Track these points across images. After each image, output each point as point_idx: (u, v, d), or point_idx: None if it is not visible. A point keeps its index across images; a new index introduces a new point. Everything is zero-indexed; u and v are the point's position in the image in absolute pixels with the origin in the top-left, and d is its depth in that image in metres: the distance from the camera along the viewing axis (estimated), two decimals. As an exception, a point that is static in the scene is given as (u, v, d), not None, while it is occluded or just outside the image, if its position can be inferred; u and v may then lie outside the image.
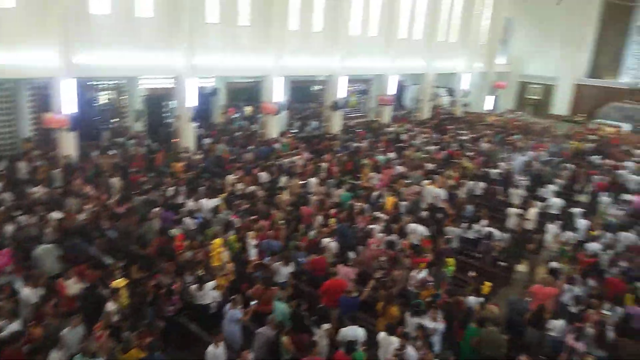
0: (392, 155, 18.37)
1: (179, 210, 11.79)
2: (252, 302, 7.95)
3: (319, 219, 11.71)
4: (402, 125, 25.21)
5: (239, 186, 13.82)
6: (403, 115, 29.23)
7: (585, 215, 13.12)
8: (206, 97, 20.80)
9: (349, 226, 11.42)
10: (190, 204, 12.07)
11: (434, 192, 14.22)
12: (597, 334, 7.72)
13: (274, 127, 20.81)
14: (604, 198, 14.63)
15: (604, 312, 8.30)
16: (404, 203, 13.33)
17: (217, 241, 9.61)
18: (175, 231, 10.45)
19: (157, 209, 11.38)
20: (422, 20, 27.80)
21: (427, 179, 15.26)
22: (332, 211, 12.14)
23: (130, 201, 11.93)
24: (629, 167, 18.41)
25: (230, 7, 18.31)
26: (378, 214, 12.26)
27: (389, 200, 13.21)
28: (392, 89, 26.44)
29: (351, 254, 10.28)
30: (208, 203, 12.01)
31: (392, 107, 27.39)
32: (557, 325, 8.07)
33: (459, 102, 32.38)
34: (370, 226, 11.26)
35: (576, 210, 13.44)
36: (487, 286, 9.00)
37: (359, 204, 12.89)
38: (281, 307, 7.82)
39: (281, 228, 10.98)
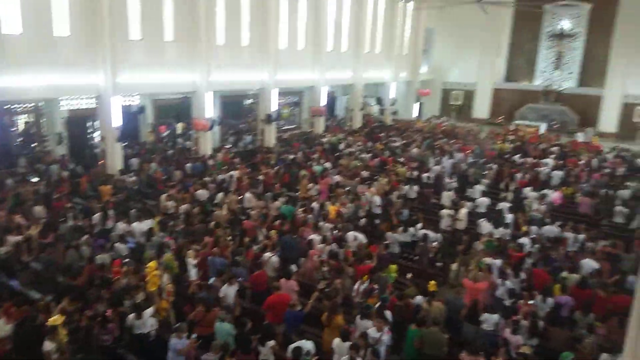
0: (328, 165, 18.57)
1: (109, 235, 11.25)
2: (194, 335, 7.61)
3: (264, 232, 11.60)
4: (336, 134, 25.59)
5: (170, 204, 13.38)
6: (336, 125, 29.73)
7: (511, 211, 13.88)
8: (133, 115, 20.11)
9: (292, 237, 11.40)
10: (121, 227, 11.54)
11: (370, 199, 14.51)
12: (529, 325, 8.13)
13: (207, 143, 20.44)
14: (531, 193, 15.57)
15: (531, 302, 8.75)
16: (344, 211, 13.50)
17: (152, 264, 9.24)
18: (103, 257, 9.93)
19: (85, 236, 10.81)
20: (347, 32, 28.51)
21: (363, 187, 15.57)
22: (276, 223, 12.07)
23: (55, 230, 11.24)
24: (548, 163, 19.72)
25: (154, 22, 17.84)
26: (322, 223, 12.33)
27: (332, 209, 13.33)
28: (323, 100, 26.82)
29: (293, 267, 10.23)
30: (140, 226, 11.54)
31: (324, 117, 27.77)
32: (489, 318, 8.41)
33: (388, 110, 33.40)
34: (311, 237, 11.28)
35: (503, 205, 14.20)
36: (432, 285, 9.26)
37: (302, 214, 12.90)
38: (226, 328, 7.63)
39: (228, 245, 10.72)
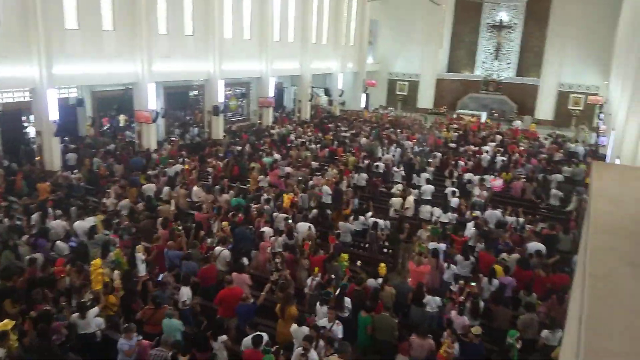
0: (277, 156, 18.49)
1: (49, 234, 10.72)
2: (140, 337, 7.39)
3: (217, 224, 11.46)
4: (285, 125, 25.52)
5: (110, 201, 12.85)
6: (285, 116, 29.63)
7: (454, 195, 14.35)
8: (70, 108, 19.23)
9: (247, 228, 11.31)
10: (61, 226, 11.02)
11: (321, 188, 14.58)
12: (471, 306, 8.44)
13: (151, 135, 19.83)
14: (476, 177, 16.20)
15: (473, 284, 9.09)
16: (297, 200, 13.52)
17: (97, 262, 8.92)
18: (36, 257, 9.45)
19: (25, 236, 10.26)
20: (293, 23, 28.38)
21: (313, 177, 15.63)
22: (229, 215, 11.94)
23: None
24: (487, 150, 20.52)
25: (91, 11, 17.03)
26: (276, 213, 12.30)
27: (287, 198, 13.30)
28: (271, 91, 26.63)
29: (245, 260, 10.13)
30: (82, 224, 11.07)
31: (273, 108, 27.59)
32: (431, 301, 8.67)
33: (336, 101, 33.63)
34: (263, 229, 11.22)
35: (449, 190, 14.67)
36: (382, 267, 9.46)
37: (257, 205, 12.84)
38: (174, 324, 7.49)
39: (181, 235, 10.53)
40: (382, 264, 9.66)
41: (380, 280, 9.13)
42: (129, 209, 12.48)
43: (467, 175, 16.63)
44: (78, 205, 12.40)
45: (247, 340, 7.02)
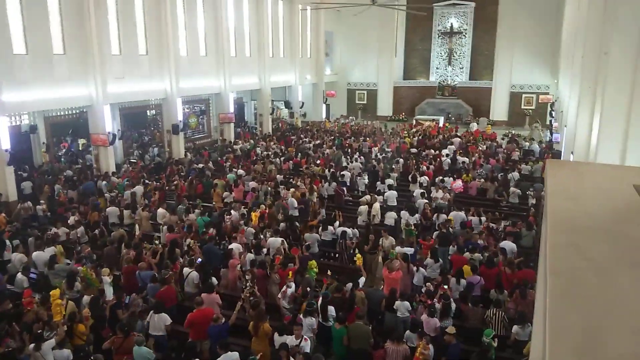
0: (241, 171, 18.33)
1: (6, 267, 10.28)
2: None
3: (188, 242, 11.31)
4: (248, 140, 25.39)
5: (62, 231, 12.37)
6: (247, 131, 29.49)
7: (423, 197, 14.56)
8: (24, 136, 18.56)
9: (215, 243, 11.13)
10: (18, 258, 10.59)
11: (288, 201, 14.52)
12: (441, 307, 8.55)
13: (110, 158, 19.33)
14: (436, 180, 16.56)
15: (445, 287, 9.23)
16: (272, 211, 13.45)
17: (55, 292, 8.62)
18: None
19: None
20: (249, 38, 28.40)
21: (278, 190, 15.57)
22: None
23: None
24: (447, 153, 20.97)
25: (40, 35, 16.51)
26: (246, 228, 12.24)
27: (254, 215, 13.16)
28: (231, 107, 26.49)
29: (214, 280, 9.96)
30: (42, 255, 10.65)
31: (234, 124, 27.42)
32: (400, 306, 8.73)
33: (298, 113, 33.75)
34: (230, 246, 11.06)
35: (417, 192, 14.89)
36: (359, 259, 9.47)
37: (229, 220, 12.75)
38: (143, 352, 7.29)
39: (150, 252, 10.41)
40: (359, 255, 9.71)
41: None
42: (90, 236, 12.11)
43: (423, 179, 16.88)
44: (36, 236, 11.92)
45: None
